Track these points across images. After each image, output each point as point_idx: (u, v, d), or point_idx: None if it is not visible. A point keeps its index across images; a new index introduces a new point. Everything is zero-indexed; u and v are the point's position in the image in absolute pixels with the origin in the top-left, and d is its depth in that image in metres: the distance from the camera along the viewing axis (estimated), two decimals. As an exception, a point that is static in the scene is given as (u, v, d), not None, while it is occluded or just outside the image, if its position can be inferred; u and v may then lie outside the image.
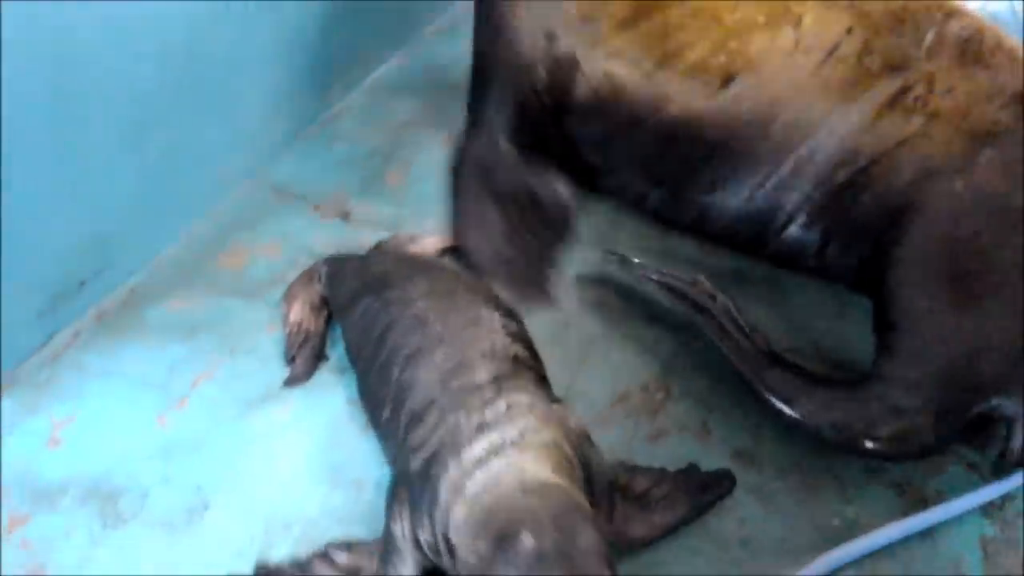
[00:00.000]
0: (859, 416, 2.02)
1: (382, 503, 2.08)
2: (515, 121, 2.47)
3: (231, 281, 2.84)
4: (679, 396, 2.54)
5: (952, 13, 2.37)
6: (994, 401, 1.96)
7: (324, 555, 2.01)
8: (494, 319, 2.18)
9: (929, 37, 2.31)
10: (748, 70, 2.40)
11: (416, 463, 1.87)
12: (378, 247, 2.82)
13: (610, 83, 2.33)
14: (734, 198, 2.42)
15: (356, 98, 3.74)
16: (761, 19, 2.42)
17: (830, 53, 2.37)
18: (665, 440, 2.41)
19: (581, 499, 1.59)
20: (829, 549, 2.06)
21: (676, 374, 2.60)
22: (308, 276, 2.68)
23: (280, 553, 2.11)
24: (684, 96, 2.31)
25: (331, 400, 2.49)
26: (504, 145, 2.52)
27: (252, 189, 3.22)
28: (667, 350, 2.67)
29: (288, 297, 2.63)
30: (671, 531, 2.10)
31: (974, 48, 2.23)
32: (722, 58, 2.34)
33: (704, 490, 2.19)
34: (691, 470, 2.13)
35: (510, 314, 2.27)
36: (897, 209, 2.13)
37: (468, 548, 1.54)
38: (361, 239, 2.91)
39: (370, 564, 1.97)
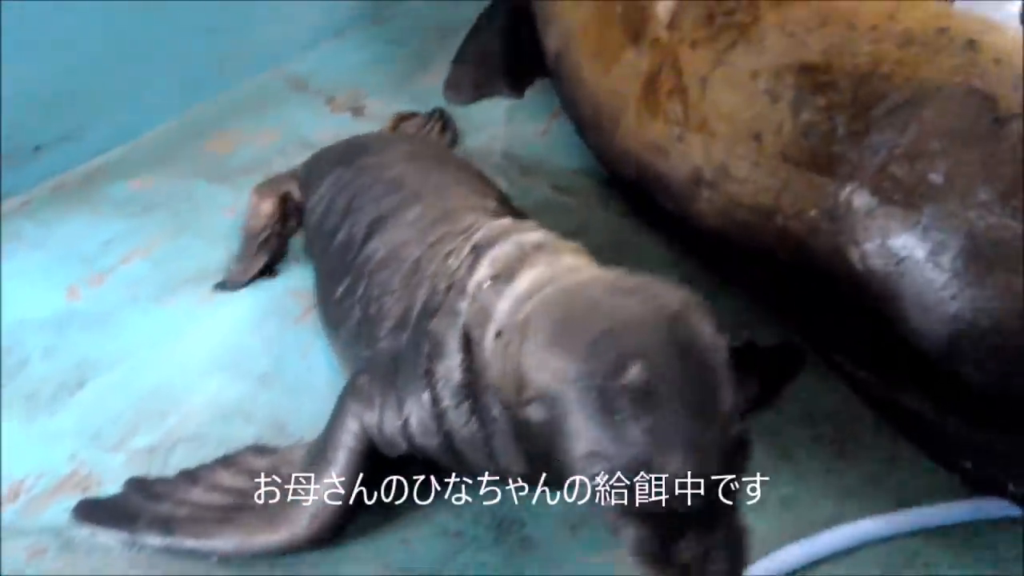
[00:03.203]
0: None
1: (281, 404, 1.80)
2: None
3: (210, 164, 2.52)
4: (694, 318, 1.94)
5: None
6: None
7: (234, 459, 1.62)
8: (477, 180, 1.91)
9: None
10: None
11: (386, 333, 1.52)
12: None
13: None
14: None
15: (414, 5, 3.35)
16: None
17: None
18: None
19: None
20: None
21: (695, 293, 1.99)
22: (289, 175, 2.29)
23: (142, 442, 1.73)
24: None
25: (269, 286, 2.12)
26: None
27: (268, 79, 2.90)
28: (690, 268, 2.15)
29: (259, 189, 2.27)
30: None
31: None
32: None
33: (771, 368, 1.80)
34: (749, 346, 1.83)
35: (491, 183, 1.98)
36: None
37: (542, 367, 1.14)
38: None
39: (289, 468, 1.57)
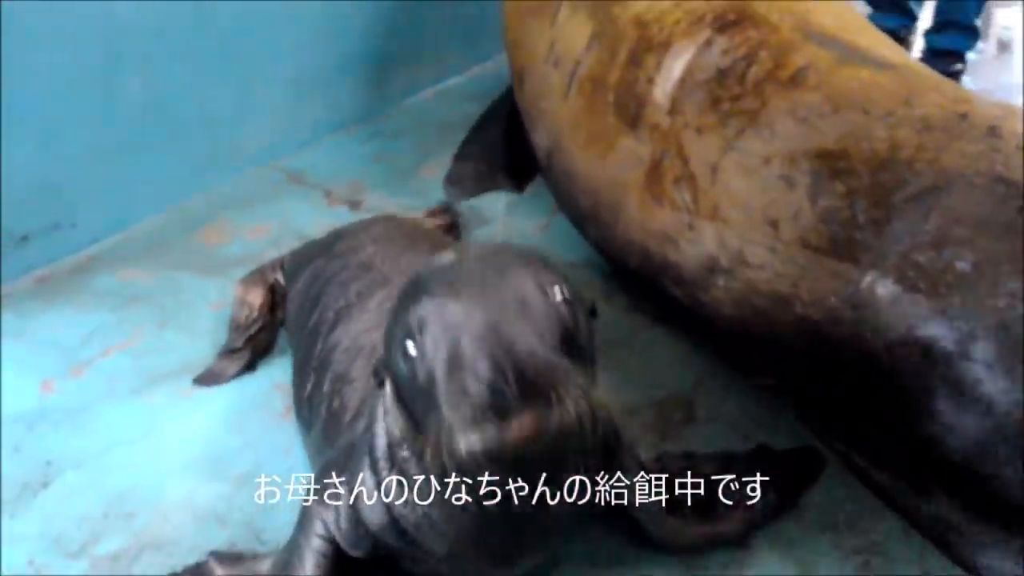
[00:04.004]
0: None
1: (259, 507, 1.65)
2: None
3: (200, 256, 2.44)
4: (704, 420, 1.84)
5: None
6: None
7: (198, 569, 1.50)
8: None
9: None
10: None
11: (345, 427, 1.45)
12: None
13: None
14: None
15: (416, 102, 3.35)
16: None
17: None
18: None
19: None
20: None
21: (706, 394, 1.90)
22: (274, 264, 2.21)
23: (107, 547, 1.60)
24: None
25: (254, 380, 2.01)
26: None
27: (266, 173, 2.85)
28: (701, 365, 1.97)
29: (245, 281, 2.18)
30: (757, 527, 1.58)
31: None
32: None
33: (788, 474, 1.65)
34: (763, 451, 1.70)
35: None
36: None
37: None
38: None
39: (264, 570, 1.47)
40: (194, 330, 2.16)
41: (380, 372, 1.23)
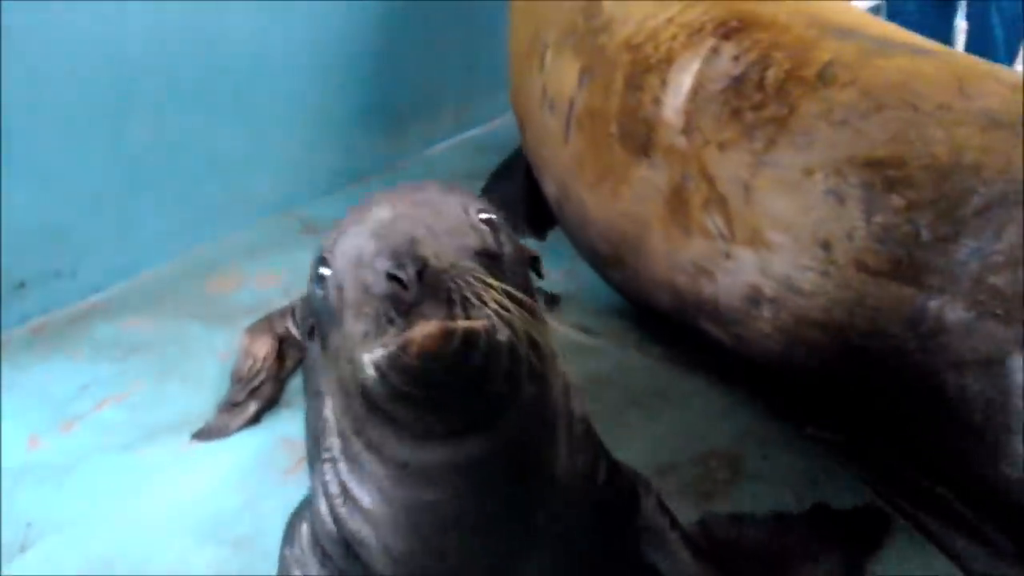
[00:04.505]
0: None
1: (258, 573, 1.50)
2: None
3: (207, 304, 2.30)
4: (752, 477, 1.65)
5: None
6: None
7: None
8: None
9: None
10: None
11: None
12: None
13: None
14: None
15: (433, 153, 3.25)
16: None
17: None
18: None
19: None
20: None
21: (753, 448, 1.72)
22: (283, 312, 2.07)
23: (89, 622, 1.40)
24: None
25: (258, 433, 1.85)
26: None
27: (279, 221, 2.73)
28: (746, 417, 1.79)
29: (252, 329, 2.04)
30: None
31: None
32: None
33: (850, 537, 1.48)
34: (821, 512, 1.53)
35: None
36: None
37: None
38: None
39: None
40: (198, 381, 2.02)
41: (307, 319, 1.12)
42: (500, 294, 0.91)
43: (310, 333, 1.10)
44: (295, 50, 2.74)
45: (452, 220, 0.97)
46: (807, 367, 1.67)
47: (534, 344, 0.98)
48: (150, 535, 1.59)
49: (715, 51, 1.81)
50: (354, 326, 0.90)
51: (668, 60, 1.88)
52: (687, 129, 1.82)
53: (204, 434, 1.84)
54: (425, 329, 0.86)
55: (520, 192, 2.76)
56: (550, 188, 2.31)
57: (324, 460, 1.18)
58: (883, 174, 1.53)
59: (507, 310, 0.90)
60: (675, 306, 1.91)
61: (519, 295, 0.93)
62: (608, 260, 2.11)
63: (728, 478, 1.67)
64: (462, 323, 0.88)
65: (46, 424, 1.89)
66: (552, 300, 2.24)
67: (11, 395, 1.99)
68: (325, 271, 0.98)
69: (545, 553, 1.14)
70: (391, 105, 3.15)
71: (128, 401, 1.96)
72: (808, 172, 1.63)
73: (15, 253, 2.18)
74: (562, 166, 2.19)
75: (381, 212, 0.95)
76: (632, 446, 1.73)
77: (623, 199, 1.97)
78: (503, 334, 0.91)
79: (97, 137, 2.31)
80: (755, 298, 1.73)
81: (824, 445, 1.72)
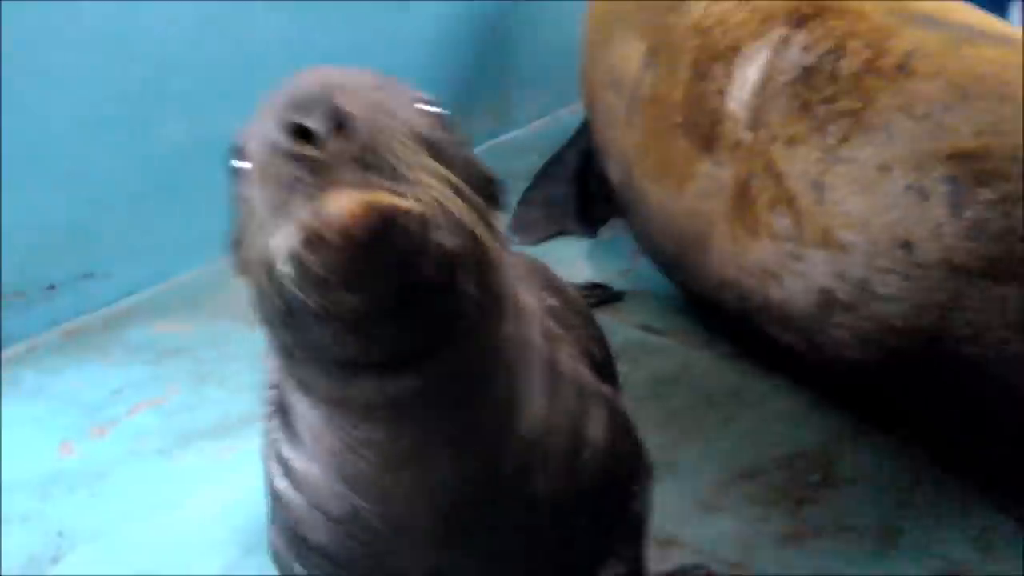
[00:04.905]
0: None
1: None
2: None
3: (246, 308, 2.15)
4: (847, 480, 1.50)
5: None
6: None
7: None
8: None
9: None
10: None
11: None
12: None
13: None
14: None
15: (481, 154, 3.12)
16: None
17: None
18: (811, 544, 1.38)
19: None
20: None
21: (845, 449, 1.57)
22: None
23: (124, 639, 1.28)
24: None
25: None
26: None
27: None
28: (833, 417, 1.65)
29: None
30: None
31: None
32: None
33: None
34: None
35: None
36: None
37: None
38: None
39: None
40: (237, 385, 1.91)
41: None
42: (442, 182, 0.72)
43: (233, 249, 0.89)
44: (330, 50, 2.63)
45: (392, 96, 0.77)
46: (889, 376, 1.53)
47: (484, 255, 0.79)
48: (192, 545, 1.49)
49: (785, 41, 1.71)
50: (261, 201, 0.71)
51: (735, 48, 1.78)
52: (754, 124, 1.72)
53: None
54: (341, 201, 0.67)
55: (570, 188, 2.65)
56: (614, 173, 2.19)
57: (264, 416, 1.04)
58: (971, 167, 1.42)
59: (450, 200, 0.72)
60: (741, 310, 1.78)
61: (467, 190, 0.74)
62: (670, 256, 2.00)
63: (821, 482, 1.52)
64: (391, 198, 0.69)
65: (78, 430, 1.80)
66: (615, 297, 2.11)
67: (41, 400, 1.90)
68: (240, 164, 0.79)
69: (510, 512, 0.98)
70: (428, 105, 3.04)
71: (164, 406, 1.86)
72: (885, 168, 1.51)
73: (45, 254, 2.09)
74: (625, 150, 2.07)
75: (305, 78, 0.77)
76: (709, 448, 1.61)
77: (686, 195, 1.85)
78: (445, 232, 0.73)
79: (129, 136, 2.22)
80: (828, 303, 1.61)
81: (925, 446, 1.56)
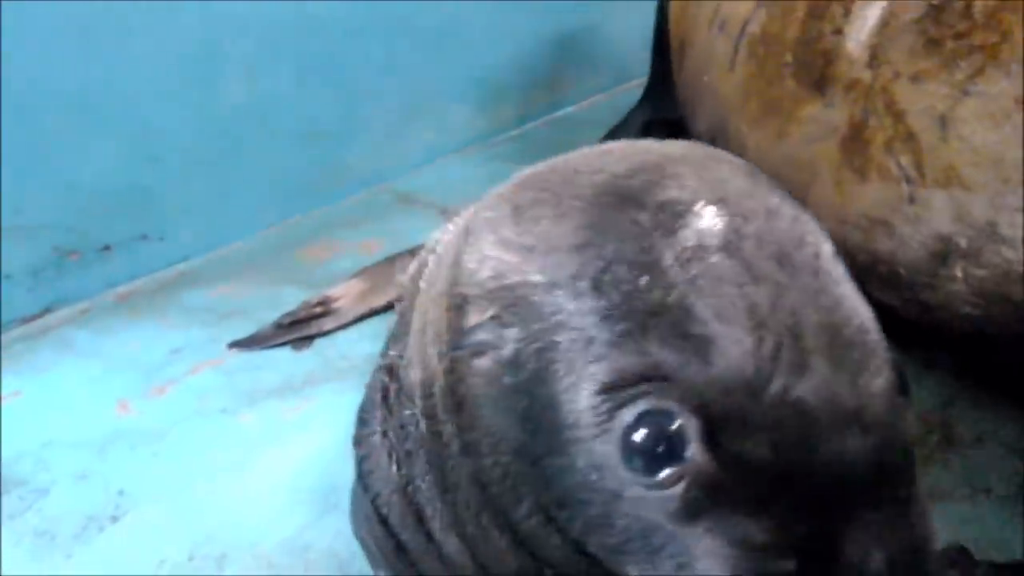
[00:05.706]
0: None
1: None
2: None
3: (303, 272, 2.10)
4: (971, 441, 1.37)
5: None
6: None
7: None
8: None
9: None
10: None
11: None
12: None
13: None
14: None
15: (529, 130, 3.06)
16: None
17: None
18: (937, 507, 1.24)
19: None
20: None
21: (963, 408, 1.44)
22: (390, 263, 1.87)
23: (191, 598, 1.18)
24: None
25: (373, 402, 1.58)
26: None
27: (373, 193, 2.53)
28: (947, 378, 1.52)
29: (364, 269, 1.96)
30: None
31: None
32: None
33: None
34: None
35: None
36: None
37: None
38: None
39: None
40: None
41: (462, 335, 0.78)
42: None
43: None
44: (391, 16, 2.54)
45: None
46: (1013, 336, 1.39)
47: None
48: (259, 506, 1.38)
49: None
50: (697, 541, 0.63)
51: (855, -12, 1.65)
52: (873, 62, 1.58)
53: (242, 344, 1.78)
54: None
55: None
56: (703, 123, 2.07)
57: None
58: None
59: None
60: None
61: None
62: None
63: (941, 441, 1.39)
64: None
65: (135, 389, 1.69)
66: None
67: (96, 360, 1.80)
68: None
69: None
70: (486, 79, 2.95)
71: (224, 367, 1.75)
72: (1021, 101, 1.37)
73: (100, 215, 2.01)
74: (723, 96, 1.94)
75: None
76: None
77: (789, 141, 1.72)
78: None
79: (188, 97, 2.13)
80: (945, 252, 1.47)
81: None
